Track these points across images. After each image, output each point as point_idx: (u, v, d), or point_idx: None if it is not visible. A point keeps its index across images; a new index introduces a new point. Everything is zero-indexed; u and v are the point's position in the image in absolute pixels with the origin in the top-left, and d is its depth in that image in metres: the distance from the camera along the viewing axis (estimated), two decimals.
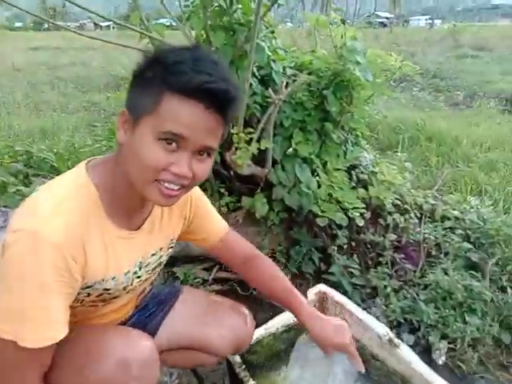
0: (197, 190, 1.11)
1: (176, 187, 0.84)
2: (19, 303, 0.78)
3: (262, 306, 2.10)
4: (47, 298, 0.78)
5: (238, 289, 2.18)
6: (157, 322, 1.19)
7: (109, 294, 0.94)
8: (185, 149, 0.81)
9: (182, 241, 1.16)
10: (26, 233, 0.78)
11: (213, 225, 1.17)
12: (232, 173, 2.03)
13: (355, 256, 2.15)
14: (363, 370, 1.09)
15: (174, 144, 0.80)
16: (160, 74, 0.78)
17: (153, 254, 1.01)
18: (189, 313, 1.20)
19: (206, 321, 1.19)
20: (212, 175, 2.13)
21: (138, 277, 1.00)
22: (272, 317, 1.57)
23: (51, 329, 0.80)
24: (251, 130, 1.80)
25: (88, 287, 0.89)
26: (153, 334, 1.16)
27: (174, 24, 2.07)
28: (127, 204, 0.91)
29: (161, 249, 1.03)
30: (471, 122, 4.14)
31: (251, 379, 1.30)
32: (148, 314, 1.20)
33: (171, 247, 1.08)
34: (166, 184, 0.83)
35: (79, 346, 0.91)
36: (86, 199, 0.85)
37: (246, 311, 1.27)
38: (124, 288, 0.97)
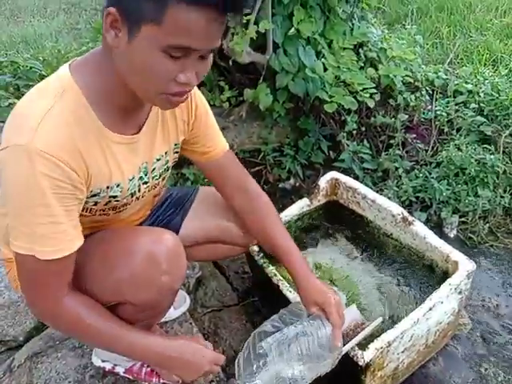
0: (199, 93, 1.04)
1: (184, 96, 0.79)
2: (26, 220, 0.77)
3: (274, 200, 2.12)
4: (52, 213, 0.77)
5: None
6: (177, 220, 1.20)
7: (117, 201, 0.92)
8: (191, 55, 0.74)
9: (183, 153, 1.08)
10: (17, 148, 0.74)
11: (216, 137, 1.09)
12: (231, 63, 1.89)
13: (365, 141, 2.10)
14: (339, 345, 0.99)
15: (179, 53, 0.72)
16: None
17: (158, 159, 0.97)
18: (209, 208, 1.20)
19: (226, 214, 1.19)
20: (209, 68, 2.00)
21: (145, 183, 0.97)
22: (283, 208, 1.59)
23: (64, 240, 0.80)
24: (247, 11, 1.64)
25: (93, 196, 0.87)
26: (176, 232, 1.17)
27: None
28: (121, 105, 0.84)
29: (166, 153, 0.99)
30: None
31: (270, 265, 1.35)
32: (168, 214, 1.20)
33: (176, 152, 1.03)
34: (174, 96, 0.78)
35: (105, 247, 0.92)
36: (75, 104, 0.79)
37: None
38: (132, 195, 0.95)
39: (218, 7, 0.69)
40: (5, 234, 0.95)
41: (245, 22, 1.67)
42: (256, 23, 1.70)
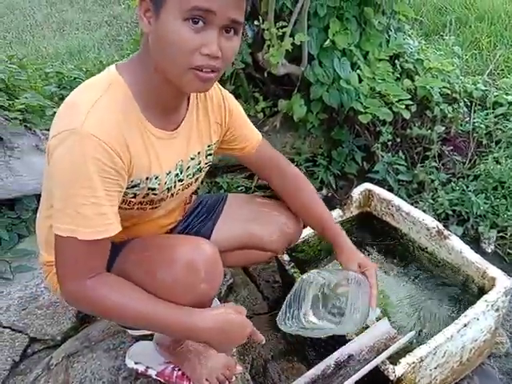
0: (229, 95, 1.09)
1: (209, 70, 0.81)
2: (71, 201, 0.80)
3: None
4: (95, 194, 0.80)
5: None
6: (209, 227, 1.22)
7: (154, 194, 0.95)
8: (212, 25, 0.77)
9: (222, 152, 1.15)
10: (68, 132, 0.78)
11: (250, 131, 1.14)
12: (266, 74, 1.92)
13: (400, 152, 2.08)
14: (374, 306, 1.05)
15: (200, 22, 0.76)
16: None
17: (192, 158, 1.01)
18: (239, 214, 1.22)
19: (256, 220, 1.21)
20: (245, 79, 2.04)
21: (180, 180, 1.01)
22: None
23: (104, 223, 0.82)
24: (283, 23, 1.66)
25: (133, 186, 0.90)
26: (207, 238, 1.20)
27: None
28: (162, 101, 0.89)
29: (199, 153, 1.03)
30: None
31: (300, 275, 1.35)
32: (199, 221, 1.23)
33: (209, 154, 1.07)
34: (201, 70, 0.80)
35: (144, 255, 0.95)
36: (122, 97, 0.84)
37: None
38: (168, 190, 0.98)
39: None
40: (46, 237, 1.00)
41: (280, 34, 1.70)
42: (291, 35, 1.72)
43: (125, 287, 0.88)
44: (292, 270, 1.37)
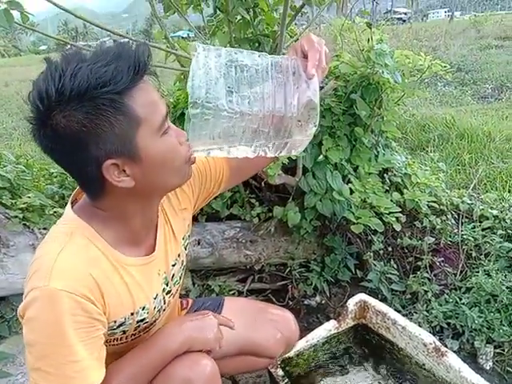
0: None
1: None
2: (49, 361, 0.76)
3: (299, 317, 2.09)
4: (72, 351, 0.76)
5: (273, 299, 2.18)
6: None
7: (146, 322, 0.93)
8: (168, 123, 0.83)
9: (207, 200, 1.13)
10: (36, 291, 0.77)
11: (215, 163, 1.09)
12: (263, 183, 2.02)
13: (392, 261, 2.10)
14: (312, 72, 0.84)
15: (165, 124, 0.82)
16: (89, 103, 0.73)
17: (173, 265, 1.00)
18: (236, 321, 1.19)
19: (253, 326, 1.21)
20: (241, 186, 2.13)
21: (169, 292, 0.99)
22: (308, 326, 1.55)
23: (86, 378, 0.79)
24: None
25: (120, 326, 0.87)
26: None
27: (191, 35, 2.07)
28: (133, 235, 0.89)
29: (179, 255, 1.02)
30: (502, 116, 4.00)
31: None
32: None
33: (187, 244, 1.07)
34: (191, 156, 0.87)
35: None
36: (86, 240, 0.83)
37: (290, 313, 1.30)
38: (159, 311, 0.96)
39: (136, 73, 0.75)
40: None
41: None
42: None
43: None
44: None
